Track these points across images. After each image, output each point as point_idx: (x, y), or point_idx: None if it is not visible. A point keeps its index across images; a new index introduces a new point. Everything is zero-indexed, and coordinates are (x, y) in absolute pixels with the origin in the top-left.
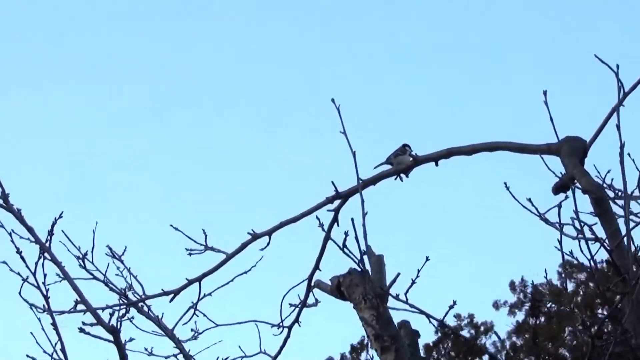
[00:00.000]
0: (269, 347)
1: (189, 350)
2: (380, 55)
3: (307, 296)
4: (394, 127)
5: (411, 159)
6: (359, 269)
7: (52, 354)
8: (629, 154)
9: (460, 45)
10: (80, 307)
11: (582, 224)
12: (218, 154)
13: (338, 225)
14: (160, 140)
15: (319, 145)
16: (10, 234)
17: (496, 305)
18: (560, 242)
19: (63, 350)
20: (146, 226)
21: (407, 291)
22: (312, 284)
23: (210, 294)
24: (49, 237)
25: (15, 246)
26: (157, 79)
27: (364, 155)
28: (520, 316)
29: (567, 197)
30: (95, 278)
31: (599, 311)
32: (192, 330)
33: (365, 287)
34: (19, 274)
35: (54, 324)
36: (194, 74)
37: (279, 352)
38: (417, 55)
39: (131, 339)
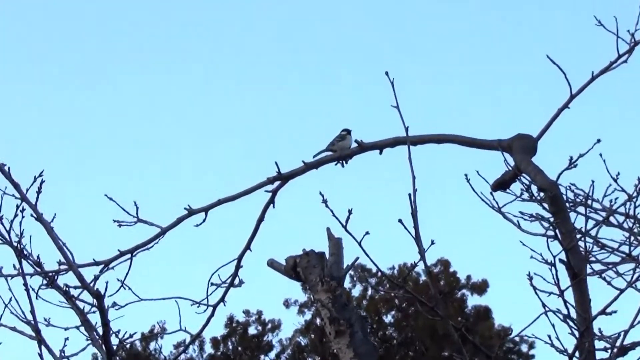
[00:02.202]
0: (195, 325)
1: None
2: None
3: (235, 276)
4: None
5: (356, 145)
6: (315, 251)
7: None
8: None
9: (420, 39)
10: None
11: (555, 222)
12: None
13: (274, 207)
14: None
15: (267, 124)
16: None
17: (287, 304)
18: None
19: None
20: (83, 195)
21: None
22: (267, 263)
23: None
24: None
25: None
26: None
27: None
28: (308, 316)
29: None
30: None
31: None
32: (114, 303)
33: (322, 269)
34: None
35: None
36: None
37: (201, 330)
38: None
39: (114, 304)
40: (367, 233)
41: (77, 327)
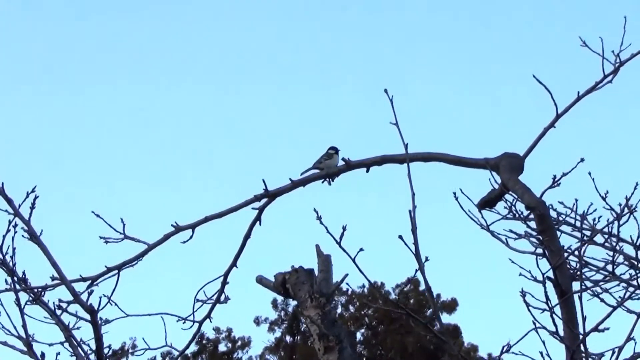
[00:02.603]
0: (180, 342)
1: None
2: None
3: (221, 292)
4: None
5: (343, 163)
6: (304, 268)
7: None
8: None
9: (408, 56)
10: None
11: (542, 240)
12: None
13: (260, 224)
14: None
15: (254, 143)
16: None
17: (257, 321)
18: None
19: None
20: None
21: None
22: (255, 279)
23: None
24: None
25: None
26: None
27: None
28: (278, 333)
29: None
30: None
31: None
32: (100, 318)
33: (312, 285)
34: None
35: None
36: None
37: (187, 347)
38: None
39: (107, 321)
40: (361, 249)
41: (62, 343)
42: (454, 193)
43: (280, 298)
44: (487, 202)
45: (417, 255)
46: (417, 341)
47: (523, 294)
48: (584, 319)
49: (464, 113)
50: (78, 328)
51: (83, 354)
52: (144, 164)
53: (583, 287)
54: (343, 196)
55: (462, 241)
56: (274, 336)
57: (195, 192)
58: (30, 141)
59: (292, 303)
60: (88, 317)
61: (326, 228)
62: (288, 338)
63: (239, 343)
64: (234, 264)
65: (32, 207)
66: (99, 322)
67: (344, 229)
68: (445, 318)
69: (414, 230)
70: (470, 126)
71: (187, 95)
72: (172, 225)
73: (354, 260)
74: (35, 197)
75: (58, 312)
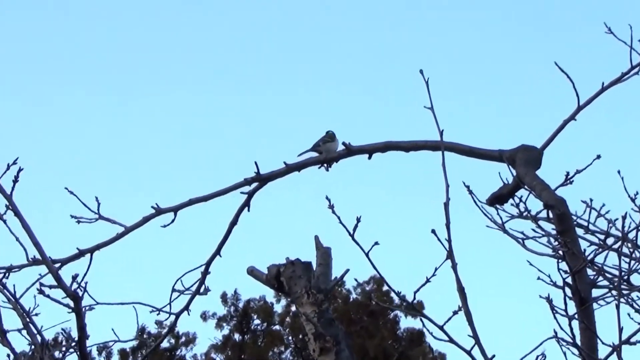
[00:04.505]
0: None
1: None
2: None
3: (201, 283)
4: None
5: (344, 147)
6: (302, 260)
7: None
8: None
9: (423, 43)
10: None
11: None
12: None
13: (249, 211)
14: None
15: (247, 123)
16: None
17: (204, 317)
18: None
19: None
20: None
21: None
22: (246, 270)
23: None
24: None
25: None
26: None
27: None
28: (226, 330)
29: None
30: None
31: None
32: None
33: (309, 280)
34: None
35: None
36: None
37: (162, 340)
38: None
39: (91, 307)
40: (376, 243)
41: (19, 330)
42: (467, 186)
43: (230, 292)
44: (498, 198)
45: (450, 252)
46: (380, 344)
47: (549, 299)
48: (620, 329)
49: (477, 101)
50: (37, 314)
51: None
52: (125, 139)
53: (609, 294)
54: (340, 184)
55: (469, 239)
56: (222, 333)
57: (181, 172)
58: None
59: (243, 298)
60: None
61: (339, 218)
62: (237, 336)
63: (183, 339)
64: (217, 252)
65: (15, 181)
66: (83, 310)
67: (358, 220)
68: (409, 322)
69: (447, 225)
70: (483, 116)
71: (175, 69)
72: (152, 207)
73: (367, 255)
74: (19, 170)
75: (40, 297)
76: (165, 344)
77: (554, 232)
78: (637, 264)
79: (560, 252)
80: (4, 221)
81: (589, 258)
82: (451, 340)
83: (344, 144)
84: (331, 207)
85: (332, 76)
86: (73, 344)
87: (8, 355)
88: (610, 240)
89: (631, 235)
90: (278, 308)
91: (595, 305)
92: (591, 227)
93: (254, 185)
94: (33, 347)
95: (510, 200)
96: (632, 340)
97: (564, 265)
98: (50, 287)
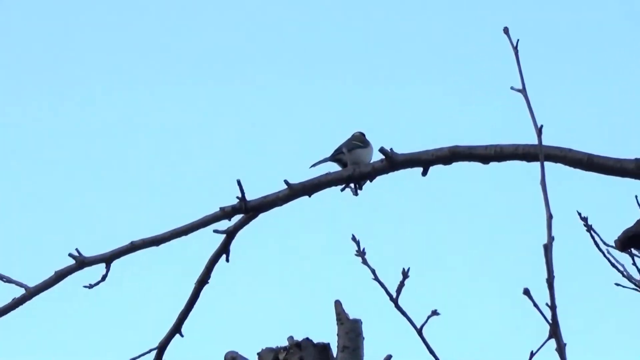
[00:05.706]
0: None
1: None
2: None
3: None
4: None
5: (383, 157)
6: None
7: None
8: None
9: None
10: None
11: None
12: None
13: (228, 260)
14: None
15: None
16: None
17: None
18: None
19: None
20: None
21: None
22: (224, 358)
23: None
24: None
25: None
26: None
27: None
28: None
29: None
30: None
31: None
32: None
33: None
34: None
35: None
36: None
37: None
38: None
39: None
40: (435, 313)
41: None
42: (585, 218)
43: None
44: (636, 238)
45: (554, 327)
46: None
47: None
48: None
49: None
50: None
51: None
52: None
53: None
54: (373, 210)
55: (583, 301)
56: None
57: (129, 196)
58: None
59: None
60: None
61: (374, 273)
62: None
63: None
64: (176, 329)
65: None
66: None
67: (405, 275)
68: None
69: (550, 282)
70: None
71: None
72: (70, 255)
73: (420, 332)
74: None
75: None
76: None
77: None
78: None
79: None
80: None
81: None
82: None
83: (382, 150)
84: (361, 254)
85: (357, 60)
86: None
87: None
88: None
89: None
90: None
91: None
92: None
93: (237, 218)
94: None
95: None
96: None
97: None
98: None
